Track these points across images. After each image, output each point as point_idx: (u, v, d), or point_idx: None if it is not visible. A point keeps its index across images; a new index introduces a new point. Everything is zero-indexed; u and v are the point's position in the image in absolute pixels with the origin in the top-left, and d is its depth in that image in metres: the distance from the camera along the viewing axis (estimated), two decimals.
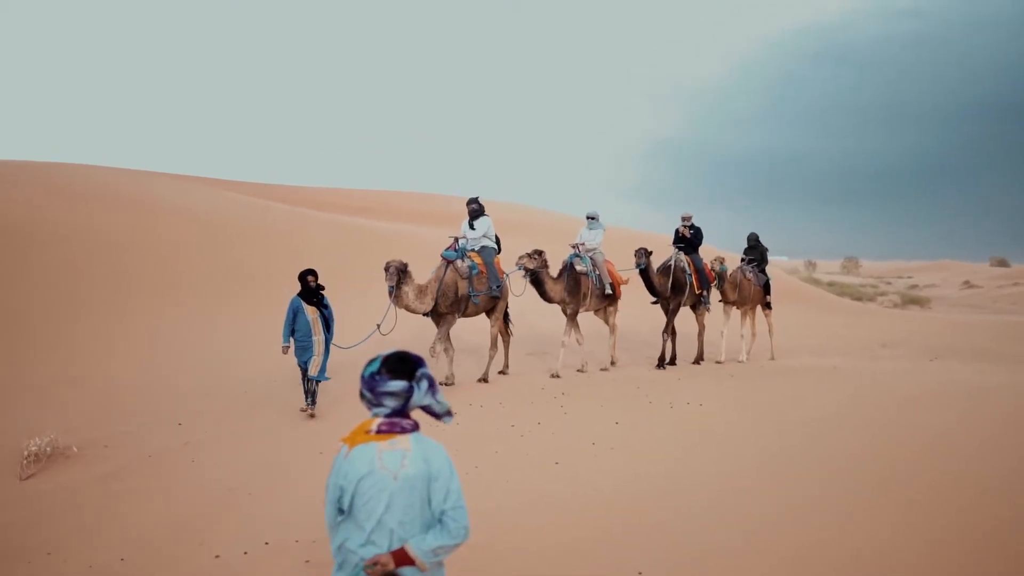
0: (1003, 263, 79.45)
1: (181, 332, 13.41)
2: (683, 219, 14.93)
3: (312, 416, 9.85)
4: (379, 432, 3.13)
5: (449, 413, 3.28)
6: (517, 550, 5.94)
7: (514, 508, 6.78)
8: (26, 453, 7.78)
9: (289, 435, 9.19)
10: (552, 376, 12.55)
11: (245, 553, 6.06)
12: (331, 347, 10.01)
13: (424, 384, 3.16)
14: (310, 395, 9.93)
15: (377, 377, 3.13)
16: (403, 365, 3.16)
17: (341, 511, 3.15)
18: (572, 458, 8.28)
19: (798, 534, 6.22)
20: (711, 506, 6.82)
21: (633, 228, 35.63)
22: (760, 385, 12.38)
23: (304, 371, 9.90)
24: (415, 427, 3.19)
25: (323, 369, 9.89)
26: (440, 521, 3.10)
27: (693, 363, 14.78)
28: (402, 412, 3.17)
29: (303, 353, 9.84)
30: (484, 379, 12.10)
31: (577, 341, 13.12)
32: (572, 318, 13.02)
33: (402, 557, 3.04)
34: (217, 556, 6.01)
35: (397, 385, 3.11)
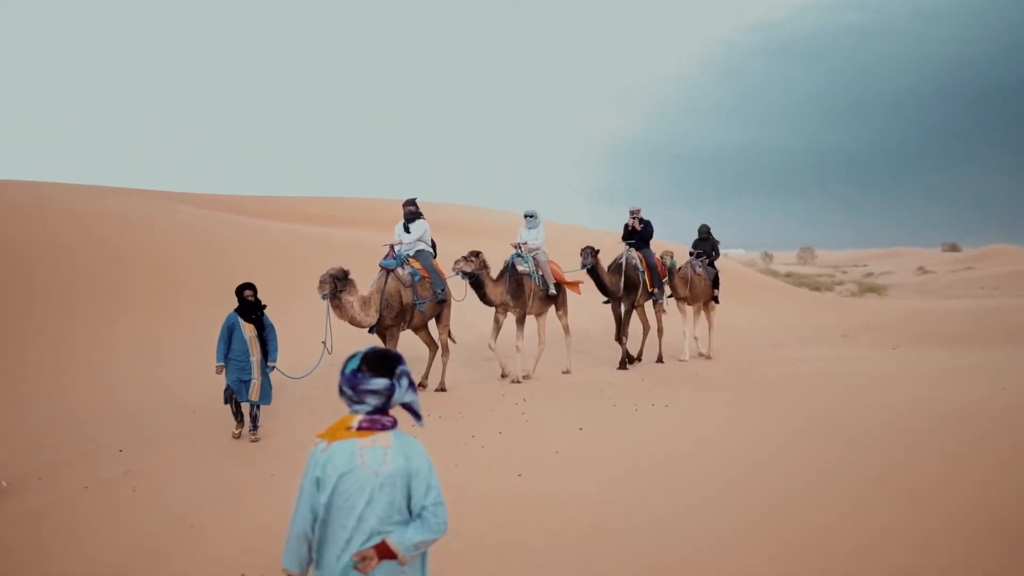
0: (954, 248, 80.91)
1: (120, 352, 12.70)
2: (631, 212, 14.41)
3: (256, 440, 9.24)
4: (360, 428, 3.13)
5: (420, 416, 3.30)
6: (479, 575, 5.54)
7: (475, 530, 6.37)
8: None
9: (237, 459, 8.70)
10: (512, 382, 12.17)
11: None
12: (274, 370, 9.35)
13: (404, 381, 3.16)
14: (252, 420, 9.29)
15: (358, 375, 3.12)
16: (383, 362, 3.15)
17: (314, 516, 3.14)
18: (536, 469, 7.90)
19: (773, 542, 5.90)
20: (682, 518, 6.44)
21: (582, 225, 35.32)
22: (726, 383, 12.10)
23: (232, 392, 9.17)
24: (395, 424, 3.20)
25: (265, 393, 9.25)
26: (420, 516, 3.13)
27: (657, 361, 14.48)
28: (383, 410, 3.16)
29: (237, 373, 9.11)
30: (442, 388, 11.66)
31: (517, 347, 12.39)
32: (520, 322, 12.46)
33: (384, 551, 3.07)
34: None
35: (379, 383, 3.11)
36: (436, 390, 11.58)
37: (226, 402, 9.30)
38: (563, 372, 13.10)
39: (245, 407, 9.41)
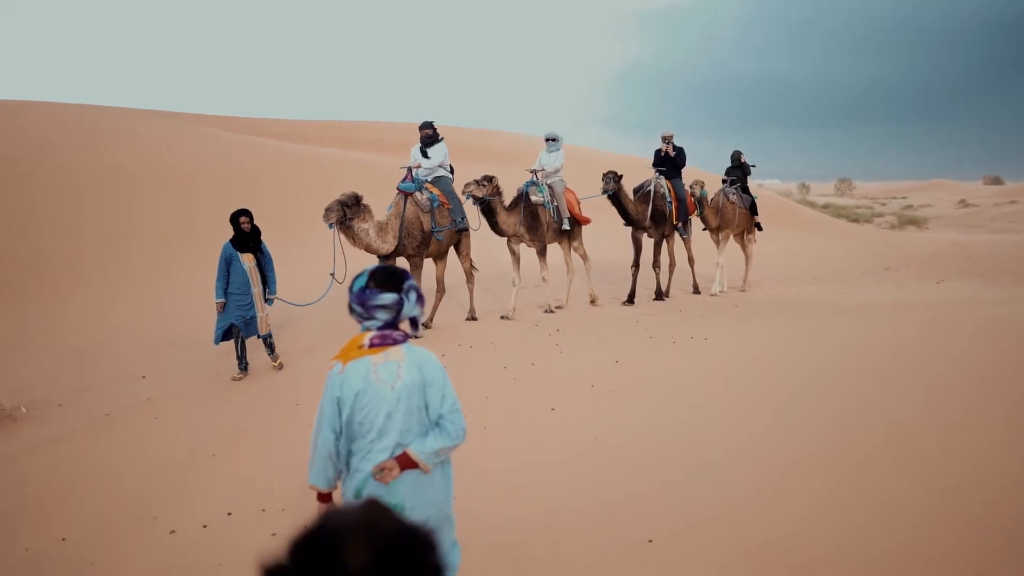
0: (997, 181, 78.76)
1: (143, 280, 12.45)
2: (663, 138, 13.53)
3: (280, 367, 8.95)
4: (372, 346, 3.16)
5: (417, 327, 3.33)
6: (511, 520, 5.22)
7: (506, 469, 6.04)
8: None
9: (261, 387, 8.46)
10: (545, 311, 11.76)
11: (204, 527, 5.37)
12: (275, 300, 8.88)
13: (413, 295, 3.18)
14: (269, 348, 8.91)
15: (367, 291, 3.13)
16: (391, 278, 3.16)
17: (336, 435, 3.20)
18: (570, 404, 7.56)
19: (820, 481, 5.52)
20: (725, 457, 6.05)
21: (602, 150, 34.40)
22: (766, 316, 11.59)
23: (236, 330, 8.62)
24: (406, 338, 3.23)
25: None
26: (438, 424, 3.19)
27: (693, 292, 14.00)
28: (393, 324, 3.19)
29: (240, 310, 8.59)
30: (472, 317, 11.27)
31: (513, 282, 11.81)
32: (542, 254, 11.88)
33: (406, 461, 3.13)
34: (172, 532, 5.33)
35: (388, 297, 3.12)
36: (467, 319, 11.20)
37: (218, 341, 8.71)
38: (590, 302, 12.52)
39: (252, 346, 8.94)
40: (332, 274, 9.59)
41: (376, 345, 3.17)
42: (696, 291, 14.07)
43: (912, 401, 7.03)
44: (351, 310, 3.20)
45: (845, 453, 6.00)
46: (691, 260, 14.17)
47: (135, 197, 14.87)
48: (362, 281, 3.17)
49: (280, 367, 8.95)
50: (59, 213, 13.43)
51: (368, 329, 3.20)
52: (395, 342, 3.19)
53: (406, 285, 3.18)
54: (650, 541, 4.82)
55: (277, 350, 9.11)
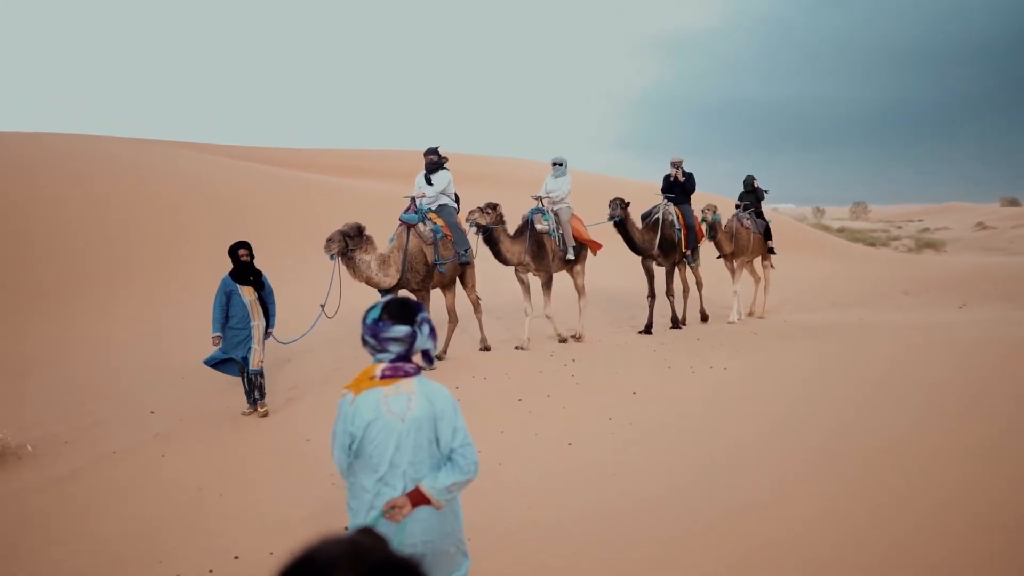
0: (1014, 203, 78.03)
1: (149, 311, 12.31)
2: (673, 163, 13.19)
3: (265, 415, 8.46)
4: (383, 377, 3.15)
5: (432, 360, 3.32)
6: (525, 558, 5.01)
7: (521, 504, 5.85)
8: None
9: (270, 423, 8.29)
10: (560, 341, 11.51)
11: (210, 572, 5.18)
12: (265, 339, 8.55)
13: (426, 328, 3.18)
14: (258, 390, 8.47)
15: (380, 323, 3.12)
16: (404, 310, 3.16)
17: (348, 459, 3.19)
18: (587, 437, 7.34)
19: (846, 526, 5.28)
20: (749, 494, 5.84)
21: (616, 176, 34.22)
22: (786, 345, 11.32)
23: (242, 366, 8.42)
24: (418, 370, 3.22)
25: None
26: (450, 459, 3.16)
27: (701, 320, 13.69)
28: (405, 357, 3.18)
29: (242, 345, 8.38)
30: (486, 347, 11.02)
31: (525, 312, 11.39)
32: (547, 286, 11.48)
33: (418, 497, 3.10)
34: None
35: (401, 330, 3.11)
36: (480, 349, 10.99)
37: (208, 362, 8.49)
38: (572, 336, 11.90)
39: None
40: (323, 306, 9.30)
41: (388, 376, 3.16)
42: (704, 318, 13.72)
43: (916, 414, 6.79)
44: (364, 342, 3.19)
45: (871, 485, 5.77)
46: (699, 285, 13.79)
47: (136, 226, 14.82)
48: (375, 313, 3.16)
49: (264, 415, 8.45)
50: (61, 243, 13.36)
51: (380, 361, 3.19)
52: (407, 374, 3.18)
53: (419, 318, 3.18)
54: None
55: (267, 396, 8.73)
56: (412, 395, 3.15)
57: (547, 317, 11.56)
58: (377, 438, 3.11)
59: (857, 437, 6.83)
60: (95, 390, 9.25)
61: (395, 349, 3.15)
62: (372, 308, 3.20)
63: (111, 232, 14.20)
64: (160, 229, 15.01)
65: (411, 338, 3.14)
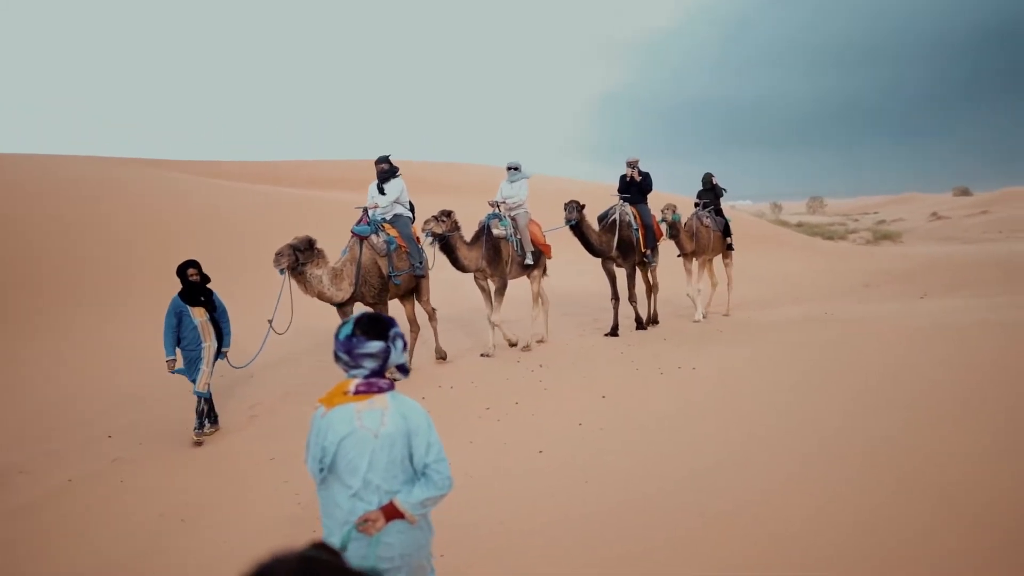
0: (966, 192, 79.60)
1: (102, 331, 11.98)
2: (628, 163, 13.05)
3: (199, 444, 7.99)
4: (357, 393, 3.13)
5: (407, 371, 3.34)
6: (505, 574, 4.89)
7: (494, 517, 5.71)
8: None
9: (233, 442, 8.07)
10: (522, 349, 11.33)
11: None
12: (220, 359, 8.32)
13: (400, 343, 3.17)
14: (199, 416, 8.07)
15: (353, 339, 3.10)
16: (376, 326, 3.14)
17: (322, 469, 3.14)
18: (557, 444, 7.24)
19: (833, 528, 5.22)
20: (736, 501, 5.73)
21: (573, 178, 34.15)
22: (752, 342, 11.28)
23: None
24: (391, 386, 3.21)
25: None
26: (424, 474, 3.14)
27: (651, 323, 13.36)
28: (379, 372, 3.16)
29: (193, 365, 8.14)
30: (442, 356, 10.74)
31: (489, 319, 11.25)
32: (500, 292, 11.27)
33: (392, 511, 3.08)
34: None
35: (375, 346, 3.10)
36: (437, 359, 10.76)
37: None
38: (537, 341, 11.81)
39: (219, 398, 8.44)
40: (270, 321, 9.02)
41: (361, 392, 3.14)
42: (654, 321, 13.43)
43: (905, 409, 6.78)
44: (337, 358, 3.16)
45: (842, 462, 5.72)
46: (655, 287, 13.57)
47: (87, 245, 14.41)
48: (348, 329, 3.14)
49: (199, 444, 8.00)
50: (8, 264, 12.94)
51: (354, 376, 3.17)
52: (380, 390, 3.16)
53: (392, 332, 3.17)
54: None
55: (214, 420, 8.36)
56: (385, 411, 3.13)
57: (493, 325, 11.27)
58: (350, 454, 3.09)
59: (841, 432, 6.81)
60: (50, 415, 8.94)
61: (369, 365, 3.13)
62: (344, 324, 3.18)
63: (60, 251, 13.81)
64: (111, 248, 14.63)
65: (385, 353, 3.13)
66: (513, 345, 11.39)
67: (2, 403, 9.37)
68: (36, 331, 11.52)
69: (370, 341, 3.11)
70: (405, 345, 3.21)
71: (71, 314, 12.22)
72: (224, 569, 5.30)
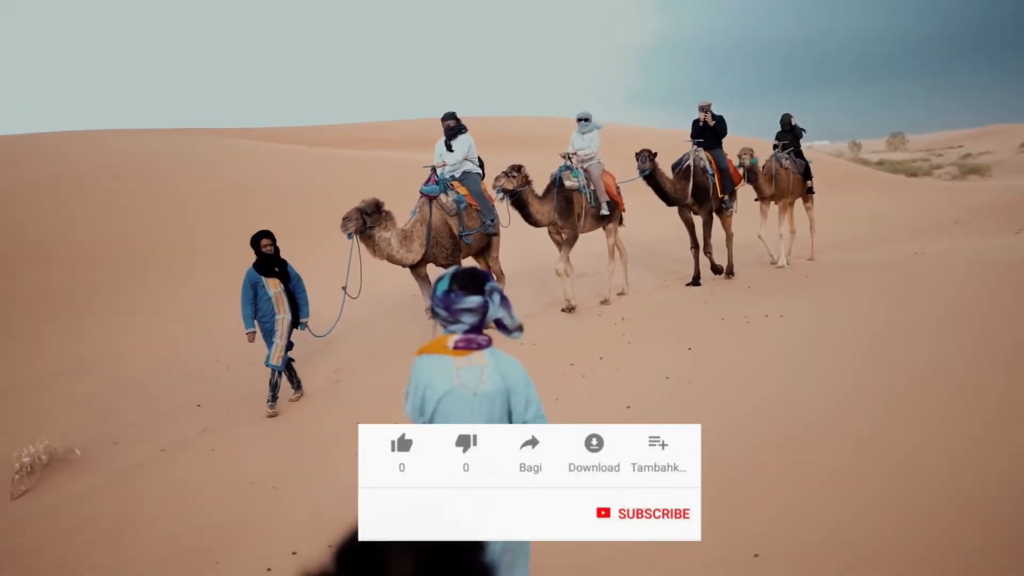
0: None
1: (186, 302, 12.11)
2: (701, 107, 12.52)
3: (273, 415, 8.08)
4: (456, 348, 3.10)
5: (520, 328, 3.23)
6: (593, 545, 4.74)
7: None
8: (17, 466, 6.73)
9: (317, 411, 8.10)
10: (563, 310, 10.76)
11: (268, 570, 5.00)
12: (301, 329, 8.33)
13: (496, 297, 3.14)
14: (272, 388, 8.13)
15: (451, 295, 3.10)
16: (473, 280, 3.13)
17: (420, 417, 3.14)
18: (645, 399, 7.06)
19: (910, 468, 4.91)
20: (827, 458, 5.45)
21: (636, 125, 33.35)
22: (842, 285, 10.81)
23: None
24: (489, 342, 3.16)
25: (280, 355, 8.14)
26: None
27: (727, 275, 12.53)
28: (478, 328, 3.13)
29: (268, 338, 8.15)
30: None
31: (566, 272, 10.73)
32: (569, 244, 10.79)
33: None
34: None
35: (473, 300, 3.09)
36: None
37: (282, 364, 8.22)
38: (618, 294, 11.47)
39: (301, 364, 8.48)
40: (344, 288, 8.85)
41: (461, 348, 3.11)
42: (730, 273, 12.59)
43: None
44: (435, 314, 3.18)
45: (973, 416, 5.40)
46: (730, 237, 12.77)
47: (157, 219, 14.59)
48: (444, 285, 3.14)
49: (273, 415, 8.08)
50: (83, 244, 13.16)
51: (453, 332, 3.15)
52: (479, 347, 3.13)
53: (488, 287, 3.16)
54: (756, 556, 4.32)
55: (298, 386, 8.49)
56: (484, 368, 3.11)
57: (558, 273, 10.79)
58: (449, 410, 3.08)
59: (941, 374, 6.44)
60: (139, 388, 9.11)
61: (468, 320, 3.11)
62: (440, 279, 3.18)
63: (133, 228, 14.03)
64: (181, 219, 14.82)
65: (483, 308, 3.11)
66: (570, 310, 10.84)
67: (94, 375, 9.58)
68: (113, 311, 11.72)
69: (468, 296, 3.10)
70: (504, 300, 3.17)
71: (149, 292, 12.43)
72: (316, 537, 5.27)
